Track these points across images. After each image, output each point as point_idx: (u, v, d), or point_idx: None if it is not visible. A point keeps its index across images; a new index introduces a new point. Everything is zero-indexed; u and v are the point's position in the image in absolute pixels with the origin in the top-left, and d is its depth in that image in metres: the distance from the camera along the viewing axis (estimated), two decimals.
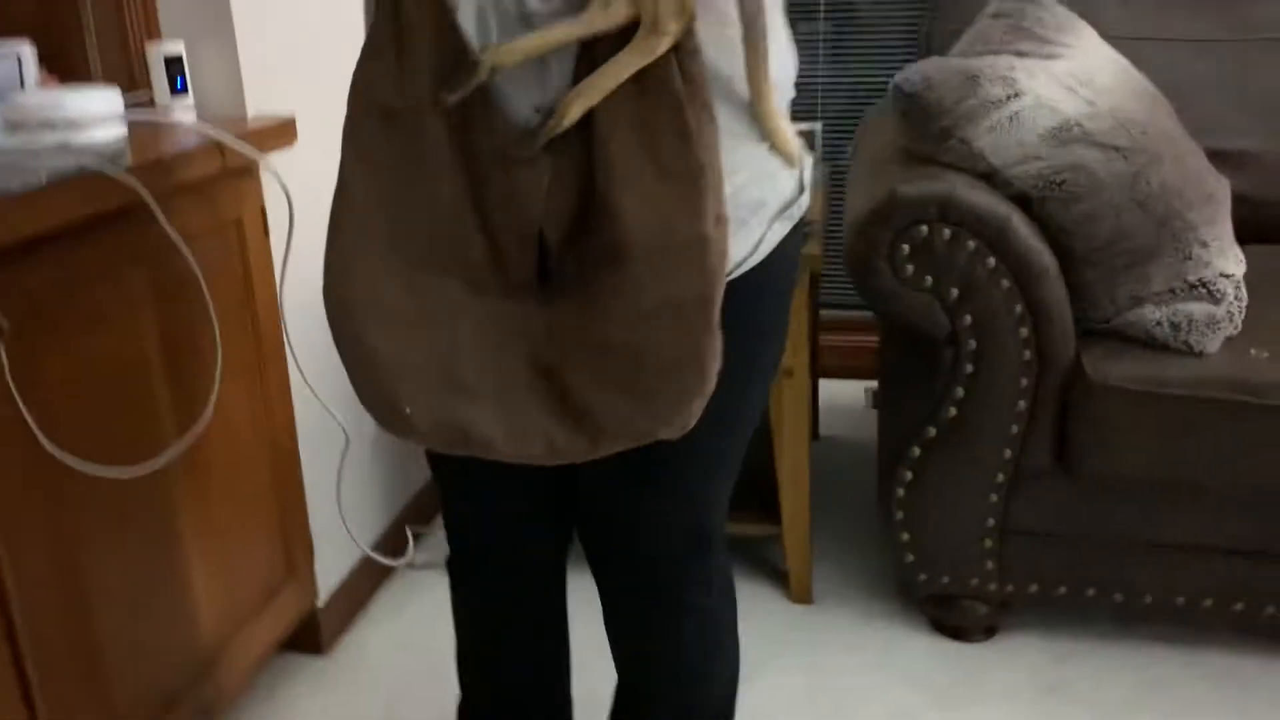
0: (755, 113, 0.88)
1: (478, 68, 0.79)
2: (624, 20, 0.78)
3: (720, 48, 0.85)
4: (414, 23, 0.80)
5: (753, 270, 0.92)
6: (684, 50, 0.79)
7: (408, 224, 0.85)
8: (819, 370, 2.47)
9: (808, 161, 0.98)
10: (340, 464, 1.73)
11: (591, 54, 0.79)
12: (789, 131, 0.92)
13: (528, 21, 0.80)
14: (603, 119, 0.79)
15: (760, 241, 0.92)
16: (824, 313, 2.68)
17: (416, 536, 2.05)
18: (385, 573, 1.95)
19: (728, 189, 0.87)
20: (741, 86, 0.88)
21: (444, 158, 0.82)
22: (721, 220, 0.82)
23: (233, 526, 1.48)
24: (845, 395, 2.68)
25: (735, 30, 0.86)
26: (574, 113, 0.79)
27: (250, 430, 1.50)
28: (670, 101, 0.80)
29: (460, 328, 0.86)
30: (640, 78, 0.79)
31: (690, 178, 0.80)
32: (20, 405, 1.06)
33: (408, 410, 0.87)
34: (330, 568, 1.75)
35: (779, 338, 1.02)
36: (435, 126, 0.81)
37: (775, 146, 0.91)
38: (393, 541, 1.96)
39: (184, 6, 1.45)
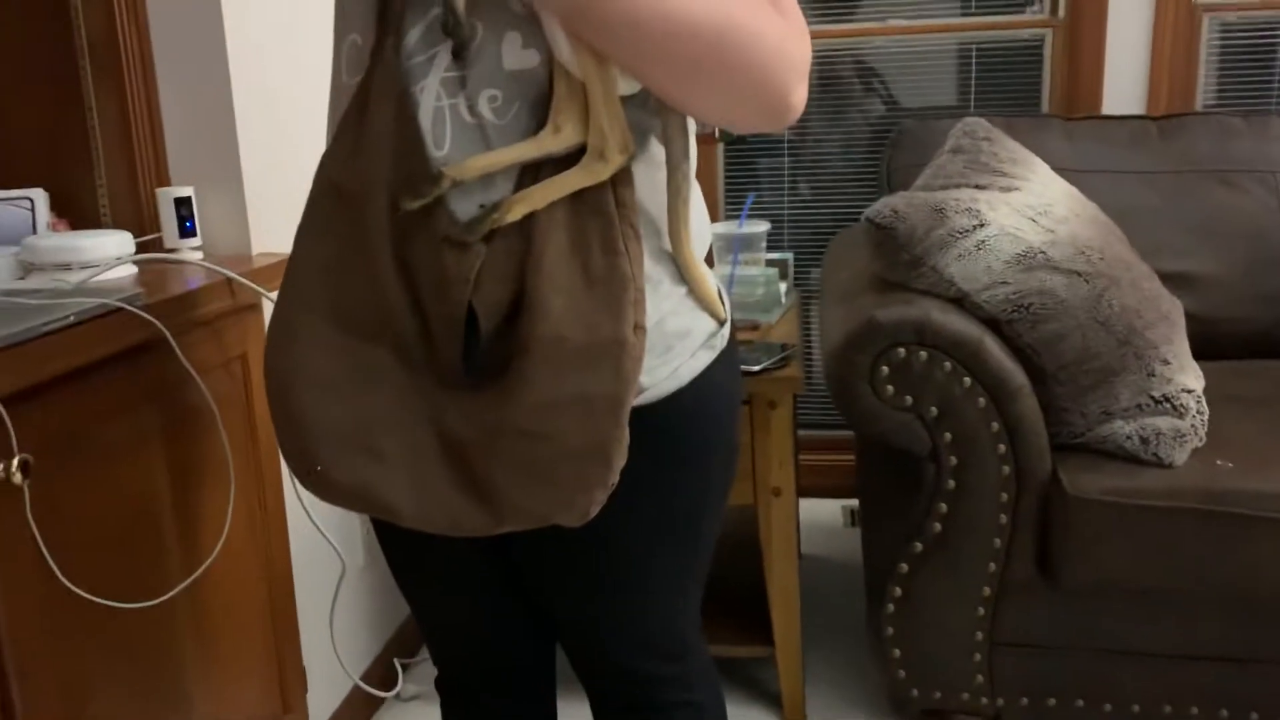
0: (676, 258, 0.96)
1: (440, 181, 0.86)
2: (573, 146, 0.86)
3: (652, 189, 0.94)
4: (377, 116, 0.88)
5: (685, 395, 0.98)
6: (619, 179, 0.88)
7: (347, 293, 0.90)
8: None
9: (728, 302, 1.05)
10: (335, 593, 1.73)
11: (536, 167, 0.87)
12: (708, 279, 1.00)
13: (481, 130, 0.87)
14: (541, 222, 0.86)
15: (681, 367, 0.97)
16: (798, 432, 2.74)
17: (404, 668, 2.03)
18: (374, 705, 1.93)
19: (654, 316, 0.93)
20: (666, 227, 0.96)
21: (383, 237, 0.88)
22: (640, 330, 0.88)
23: (231, 657, 1.47)
24: (822, 513, 2.72)
25: (662, 174, 0.94)
26: (517, 212, 0.86)
27: (251, 560, 1.51)
28: (603, 221, 0.87)
29: (383, 396, 0.90)
30: (579, 194, 0.87)
31: (614, 287, 0.87)
32: (39, 541, 1.08)
33: (319, 469, 0.92)
34: (321, 699, 1.73)
35: (726, 458, 1.06)
36: (379, 208, 0.88)
37: (693, 293, 0.98)
38: (380, 672, 1.94)
39: (193, 153, 1.52)
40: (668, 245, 0.96)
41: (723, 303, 1.04)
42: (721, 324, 1.02)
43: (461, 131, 0.87)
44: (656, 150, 0.94)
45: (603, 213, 0.87)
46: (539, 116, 0.87)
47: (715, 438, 1.03)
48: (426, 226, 0.87)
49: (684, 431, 0.99)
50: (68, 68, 1.51)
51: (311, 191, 0.94)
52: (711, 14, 0.82)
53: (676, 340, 0.97)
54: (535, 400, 0.86)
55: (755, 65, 0.83)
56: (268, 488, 1.55)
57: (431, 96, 0.87)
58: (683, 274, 0.97)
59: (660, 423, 0.96)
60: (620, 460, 0.88)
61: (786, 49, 0.85)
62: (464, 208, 0.87)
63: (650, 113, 0.92)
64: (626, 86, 0.87)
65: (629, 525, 0.99)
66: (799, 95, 0.87)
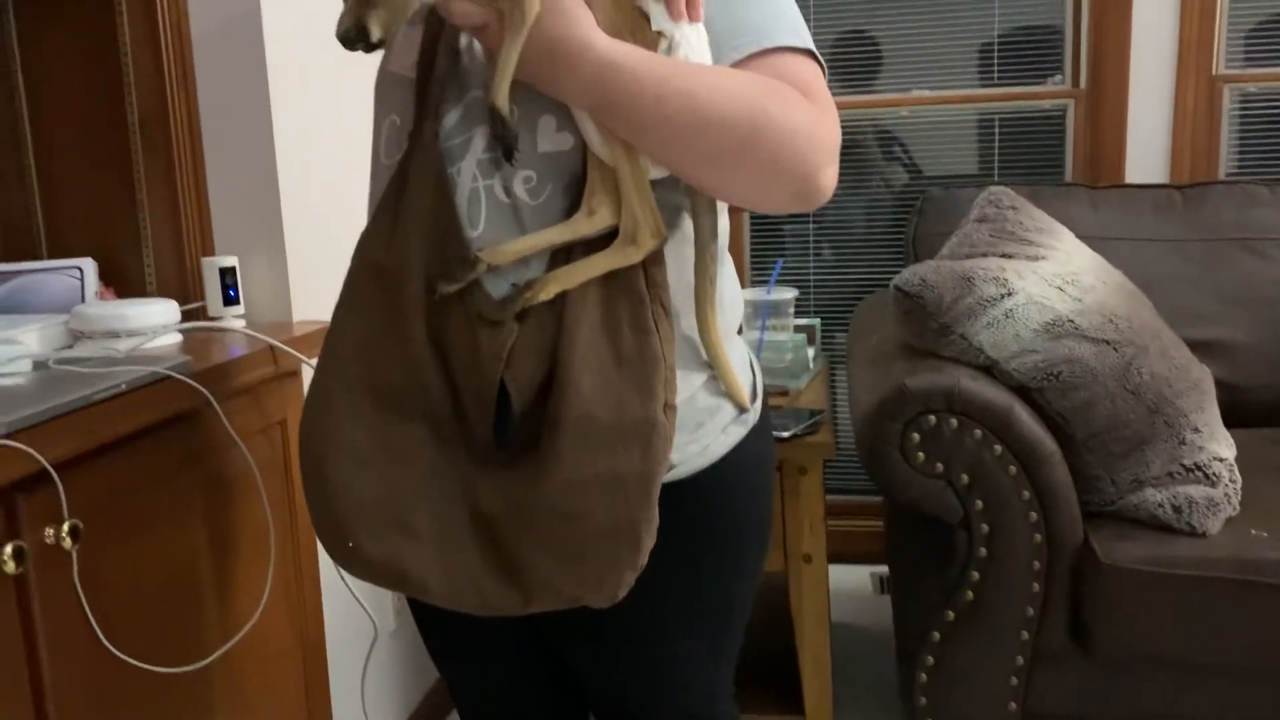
0: (701, 340, 0.96)
1: (475, 265, 0.88)
2: (606, 229, 0.88)
3: (682, 265, 0.94)
4: (415, 196, 0.90)
5: (716, 472, 0.98)
6: (651, 258, 0.89)
7: (383, 369, 0.91)
8: None
9: (759, 372, 1.05)
10: (367, 657, 1.73)
11: (569, 247, 0.89)
12: (734, 358, 0.99)
13: (515, 210, 0.89)
14: (573, 302, 0.88)
15: (712, 444, 0.97)
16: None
17: None
18: None
19: (685, 392, 0.94)
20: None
21: (418, 315, 0.89)
22: (670, 409, 0.88)
23: None
24: (851, 580, 2.70)
25: (692, 249, 0.95)
26: (549, 291, 0.88)
27: (286, 623, 1.52)
28: (633, 300, 0.88)
29: (415, 471, 0.91)
30: (610, 273, 0.88)
31: (645, 367, 0.88)
32: (85, 606, 1.09)
33: (350, 544, 0.92)
34: None
35: (758, 534, 1.06)
36: (415, 286, 0.89)
37: (718, 376, 0.98)
38: None
39: (238, 224, 1.57)
40: (695, 327, 0.96)
41: (754, 373, 1.05)
42: (751, 401, 1.02)
43: (496, 211, 0.89)
44: (687, 225, 0.95)
45: (634, 291, 0.89)
46: (572, 197, 0.89)
47: (747, 515, 1.03)
48: (460, 304, 0.88)
49: (715, 509, 0.99)
50: (120, 143, 1.56)
51: (350, 268, 0.96)
52: (742, 106, 0.83)
53: (707, 416, 0.97)
54: (565, 478, 0.86)
55: (786, 154, 0.85)
56: (303, 551, 1.56)
57: (468, 177, 0.89)
58: (708, 358, 0.97)
59: (691, 500, 0.96)
60: (650, 541, 0.88)
61: (817, 135, 0.86)
62: (497, 286, 0.89)
63: (680, 191, 0.93)
64: (657, 171, 0.88)
65: (659, 605, 0.99)
66: (828, 177, 0.88)
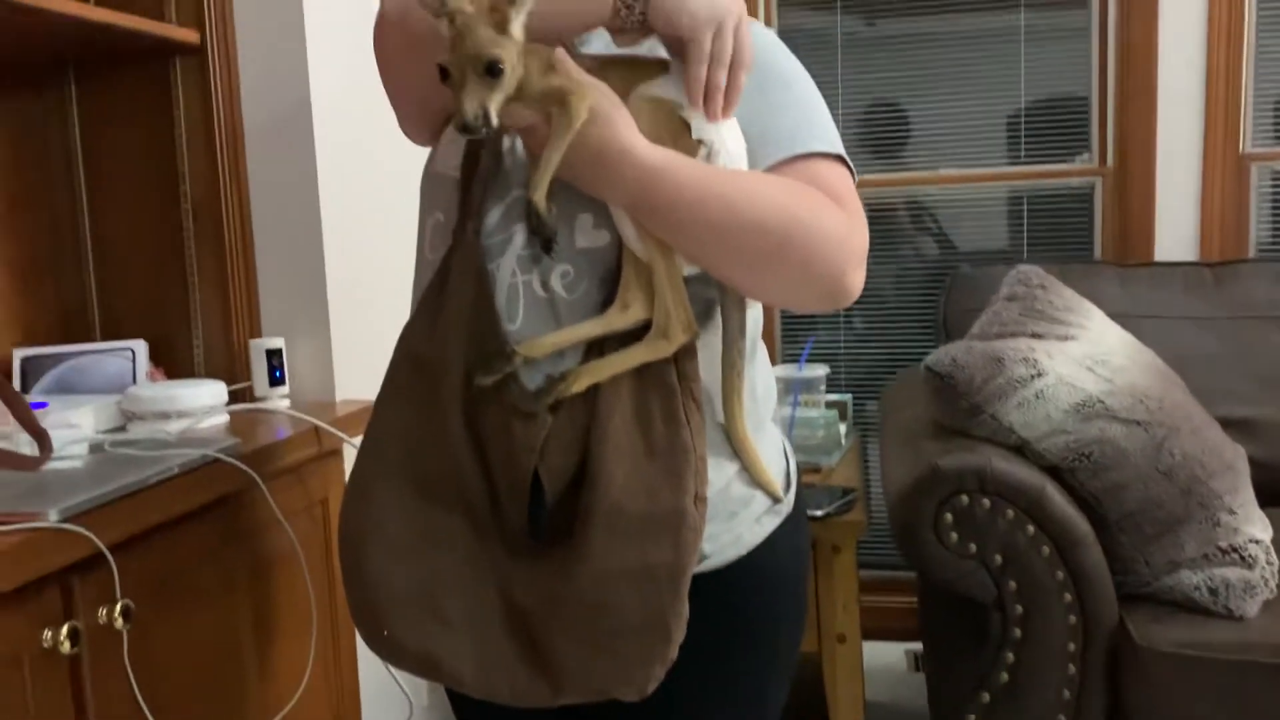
0: (728, 435, 0.97)
1: (512, 358, 0.90)
2: (639, 323, 0.90)
3: (714, 356, 0.95)
4: (456, 291, 0.93)
5: (749, 562, 0.98)
6: (682, 351, 0.91)
7: (422, 459, 0.93)
8: None
9: (793, 459, 1.06)
10: None
11: (601, 341, 0.91)
12: (766, 448, 1.00)
13: (552, 305, 0.92)
14: (605, 393, 0.90)
15: (745, 533, 0.98)
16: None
17: None
18: None
19: (719, 482, 0.95)
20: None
21: (456, 407, 0.91)
22: (701, 501, 0.89)
23: None
24: (882, 657, 2.67)
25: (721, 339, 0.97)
26: (582, 383, 0.90)
27: (324, 700, 1.54)
28: (664, 392, 0.90)
29: (451, 560, 0.92)
30: (642, 366, 0.90)
31: (675, 458, 0.89)
32: (134, 685, 1.12)
33: (386, 633, 0.94)
34: None
35: (793, 625, 1.06)
36: (454, 379, 0.92)
37: (747, 469, 0.98)
38: None
39: (285, 307, 1.62)
40: (721, 419, 0.97)
41: (788, 460, 1.06)
42: (785, 490, 1.03)
43: (533, 306, 0.92)
44: (719, 318, 0.97)
45: (665, 384, 0.91)
46: (607, 292, 0.91)
47: (781, 604, 1.03)
48: (497, 397, 0.91)
49: (749, 600, 1.00)
50: (173, 229, 1.63)
51: (392, 359, 0.99)
52: (777, 213, 0.87)
53: (741, 506, 0.98)
54: (596, 569, 0.88)
55: (817, 259, 0.88)
56: (342, 628, 1.59)
57: (507, 273, 0.92)
58: (736, 451, 0.98)
59: (724, 591, 0.96)
60: (679, 634, 0.89)
61: (847, 241, 0.90)
62: (532, 378, 0.91)
63: (712, 286, 0.95)
64: (690, 267, 0.91)
65: (693, 694, 0.98)
66: (855, 281, 0.91)
